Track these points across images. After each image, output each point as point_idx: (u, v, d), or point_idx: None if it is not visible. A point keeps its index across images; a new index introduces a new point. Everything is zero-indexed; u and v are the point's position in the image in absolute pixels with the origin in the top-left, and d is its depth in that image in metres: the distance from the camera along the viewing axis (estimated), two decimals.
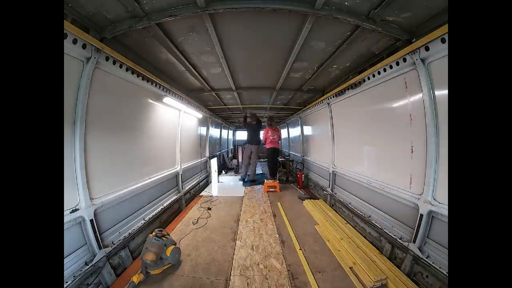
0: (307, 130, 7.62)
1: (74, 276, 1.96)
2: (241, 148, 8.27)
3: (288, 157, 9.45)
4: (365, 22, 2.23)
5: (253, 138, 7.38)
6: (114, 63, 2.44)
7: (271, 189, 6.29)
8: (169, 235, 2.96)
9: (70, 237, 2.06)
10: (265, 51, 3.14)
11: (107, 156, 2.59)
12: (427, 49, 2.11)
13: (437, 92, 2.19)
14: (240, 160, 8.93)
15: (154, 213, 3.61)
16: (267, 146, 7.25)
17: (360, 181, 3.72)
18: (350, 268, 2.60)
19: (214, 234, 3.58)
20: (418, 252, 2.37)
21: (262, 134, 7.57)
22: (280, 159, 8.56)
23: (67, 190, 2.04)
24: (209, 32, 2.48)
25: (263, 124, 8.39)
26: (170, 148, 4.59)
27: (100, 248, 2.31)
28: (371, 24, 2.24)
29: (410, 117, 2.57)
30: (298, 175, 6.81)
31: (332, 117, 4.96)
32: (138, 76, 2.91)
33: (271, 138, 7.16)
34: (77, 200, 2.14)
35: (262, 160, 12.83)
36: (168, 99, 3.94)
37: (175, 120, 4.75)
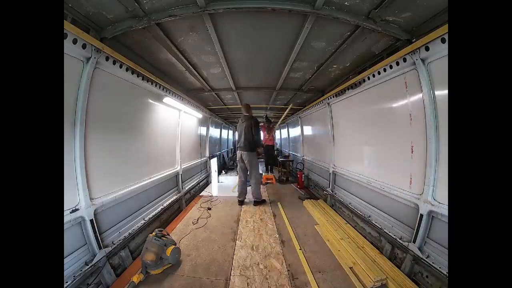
0: (307, 130, 7.61)
1: (74, 276, 1.96)
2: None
3: (288, 157, 9.44)
4: (365, 22, 2.23)
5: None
6: (114, 63, 2.43)
7: (268, 181, 7.20)
8: (169, 235, 2.96)
9: (70, 237, 2.06)
10: (265, 51, 3.14)
11: (107, 156, 2.59)
12: (427, 49, 2.11)
13: (437, 92, 2.19)
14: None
15: (154, 213, 3.61)
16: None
17: (360, 181, 3.72)
18: (350, 268, 2.60)
19: (214, 234, 3.58)
20: (418, 252, 2.37)
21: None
22: (280, 159, 8.57)
23: (67, 190, 2.04)
24: (209, 32, 2.48)
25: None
26: (170, 148, 4.58)
27: (100, 248, 2.31)
28: (371, 24, 2.24)
29: (410, 117, 2.57)
30: (298, 175, 6.81)
31: (332, 117, 4.95)
32: (138, 76, 2.91)
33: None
34: (77, 200, 2.13)
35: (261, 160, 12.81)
36: (168, 99, 3.94)
37: (175, 120, 4.75)
